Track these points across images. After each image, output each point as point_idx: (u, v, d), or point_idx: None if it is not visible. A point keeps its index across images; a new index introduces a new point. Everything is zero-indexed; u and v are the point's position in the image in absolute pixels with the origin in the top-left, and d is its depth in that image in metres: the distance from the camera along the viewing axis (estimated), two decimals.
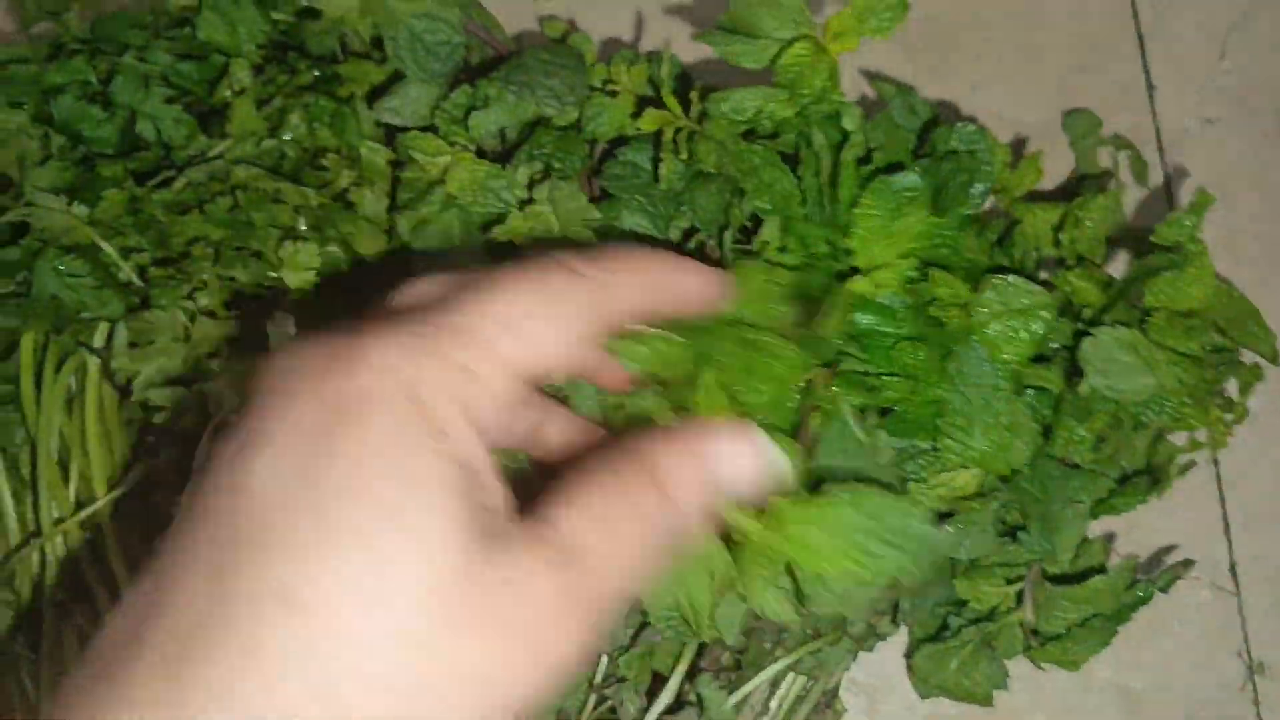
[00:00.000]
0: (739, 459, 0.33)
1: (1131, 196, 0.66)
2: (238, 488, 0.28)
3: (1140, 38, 0.68)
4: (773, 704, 0.53)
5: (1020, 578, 0.54)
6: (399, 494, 0.27)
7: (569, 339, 0.32)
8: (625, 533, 0.29)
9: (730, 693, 0.53)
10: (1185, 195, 0.66)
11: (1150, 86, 0.68)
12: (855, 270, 0.48)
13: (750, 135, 0.51)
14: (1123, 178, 0.64)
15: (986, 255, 0.52)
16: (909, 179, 0.48)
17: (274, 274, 0.55)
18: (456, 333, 0.30)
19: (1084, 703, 0.60)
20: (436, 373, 0.29)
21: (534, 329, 0.31)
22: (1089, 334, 0.50)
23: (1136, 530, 0.60)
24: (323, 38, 0.59)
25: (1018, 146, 0.67)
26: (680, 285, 0.37)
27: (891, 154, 0.51)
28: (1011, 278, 0.49)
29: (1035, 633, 0.55)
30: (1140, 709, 0.59)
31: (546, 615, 0.27)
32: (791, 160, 0.51)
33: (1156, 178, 0.66)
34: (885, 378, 0.47)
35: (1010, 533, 0.53)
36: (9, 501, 0.56)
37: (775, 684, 0.54)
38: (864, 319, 0.48)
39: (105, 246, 0.53)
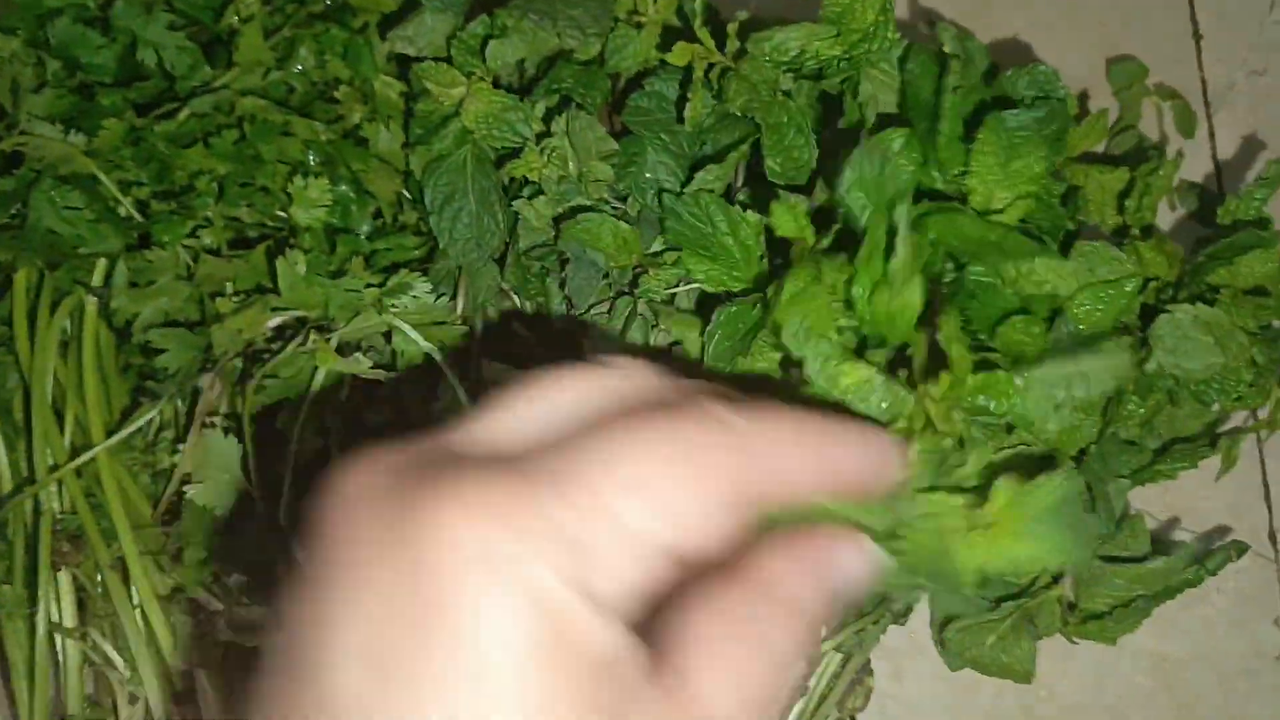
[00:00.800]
0: (854, 566, 0.30)
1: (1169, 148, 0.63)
2: (313, 681, 0.23)
3: None
4: (810, 683, 0.51)
5: None
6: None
7: (711, 510, 0.25)
8: (756, 672, 0.26)
9: None
10: (1227, 148, 0.64)
11: (1197, 36, 0.65)
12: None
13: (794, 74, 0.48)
14: (1165, 130, 0.61)
15: (1064, 218, 0.49)
16: (1023, 118, 0.44)
17: (281, 211, 0.52)
18: (570, 495, 0.23)
19: (1116, 668, 0.58)
20: (545, 552, 0.22)
21: (669, 495, 0.24)
22: (1164, 310, 0.47)
23: (1173, 494, 0.58)
24: None
25: None
26: (846, 458, 0.30)
27: (967, 96, 0.48)
28: (1099, 245, 0.46)
29: (1072, 607, 0.53)
30: (1175, 676, 0.57)
31: None
32: (835, 102, 0.48)
33: (1201, 130, 0.63)
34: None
35: None
36: (2, 450, 0.54)
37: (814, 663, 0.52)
38: (980, 271, 0.44)
39: (104, 179, 0.50)
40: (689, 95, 0.49)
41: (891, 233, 0.38)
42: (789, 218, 0.44)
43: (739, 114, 0.49)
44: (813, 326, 0.38)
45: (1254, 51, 0.65)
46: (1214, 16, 0.65)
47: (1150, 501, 0.58)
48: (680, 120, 0.50)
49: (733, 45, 0.48)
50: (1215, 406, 0.50)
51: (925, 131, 0.47)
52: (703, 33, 0.48)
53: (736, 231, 0.47)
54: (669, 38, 0.51)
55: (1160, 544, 0.57)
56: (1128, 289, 0.45)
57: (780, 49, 0.47)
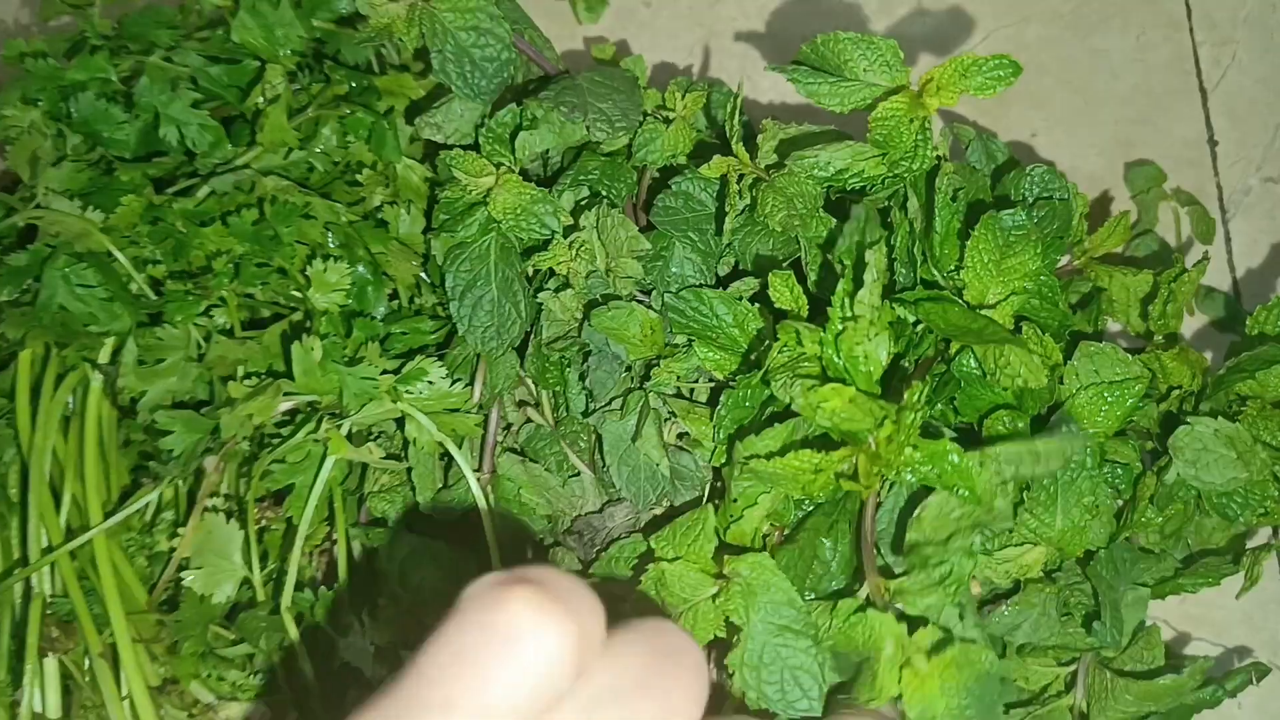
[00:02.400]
0: None
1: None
2: None
3: (1203, 91, 0.66)
4: None
5: (1073, 660, 0.51)
6: None
7: None
8: None
9: None
10: (1243, 253, 0.64)
11: (1213, 142, 0.65)
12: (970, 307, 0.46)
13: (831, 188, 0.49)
14: (1182, 232, 0.61)
15: (1069, 315, 0.49)
16: (1018, 218, 0.45)
17: (297, 293, 0.52)
18: None
19: None
20: None
21: None
22: (1182, 422, 0.47)
23: (1190, 602, 0.57)
24: (359, 48, 0.56)
25: None
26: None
27: (971, 196, 0.48)
28: (1106, 347, 0.46)
29: (1085, 717, 0.51)
30: None
31: None
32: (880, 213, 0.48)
33: (1217, 234, 0.64)
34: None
35: (1070, 615, 0.50)
36: None
37: None
38: (968, 362, 0.45)
39: (119, 256, 0.50)
40: (726, 208, 0.49)
41: (859, 278, 0.43)
42: (785, 289, 0.48)
43: (777, 229, 0.49)
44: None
45: (1269, 158, 0.65)
46: (1229, 122, 0.66)
47: (1168, 608, 0.57)
48: (719, 230, 0.50)
49: (765, 155, 0.48)
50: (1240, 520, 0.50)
51: (924, 229, 0.47)
52: (739, 149, 0.48)
53: (741, 322, 0.48)
54: (705, 147, 0.51)
55: (1176, 656, 0.56)
56: (1134, 392, 0.45)
57: (821, 165, 0.47)
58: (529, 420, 0.53)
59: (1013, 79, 0.44)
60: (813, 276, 0.47)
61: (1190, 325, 0.61)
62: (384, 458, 0.50)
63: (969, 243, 0.45)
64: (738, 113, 0.49)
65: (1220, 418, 0.47)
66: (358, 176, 0.53)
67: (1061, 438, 0.45)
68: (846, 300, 0.45)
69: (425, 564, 0.49)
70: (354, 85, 0.55)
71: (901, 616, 0.43)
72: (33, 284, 0.49)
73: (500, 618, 0.28)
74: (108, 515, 0.51)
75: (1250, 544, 0.53)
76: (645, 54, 0.60)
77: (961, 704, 0.41)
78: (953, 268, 0.48)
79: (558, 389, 0.52)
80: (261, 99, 0.52)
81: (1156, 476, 0.48)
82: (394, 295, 0.54)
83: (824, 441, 0.46)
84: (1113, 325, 0.56)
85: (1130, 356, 0.47)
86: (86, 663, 0.51)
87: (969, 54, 0.45)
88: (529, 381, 0.52)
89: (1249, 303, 0.63)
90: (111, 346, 0.51)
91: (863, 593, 0.45)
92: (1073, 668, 0.51)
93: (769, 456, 0.45)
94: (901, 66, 0.46)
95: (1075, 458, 0.46)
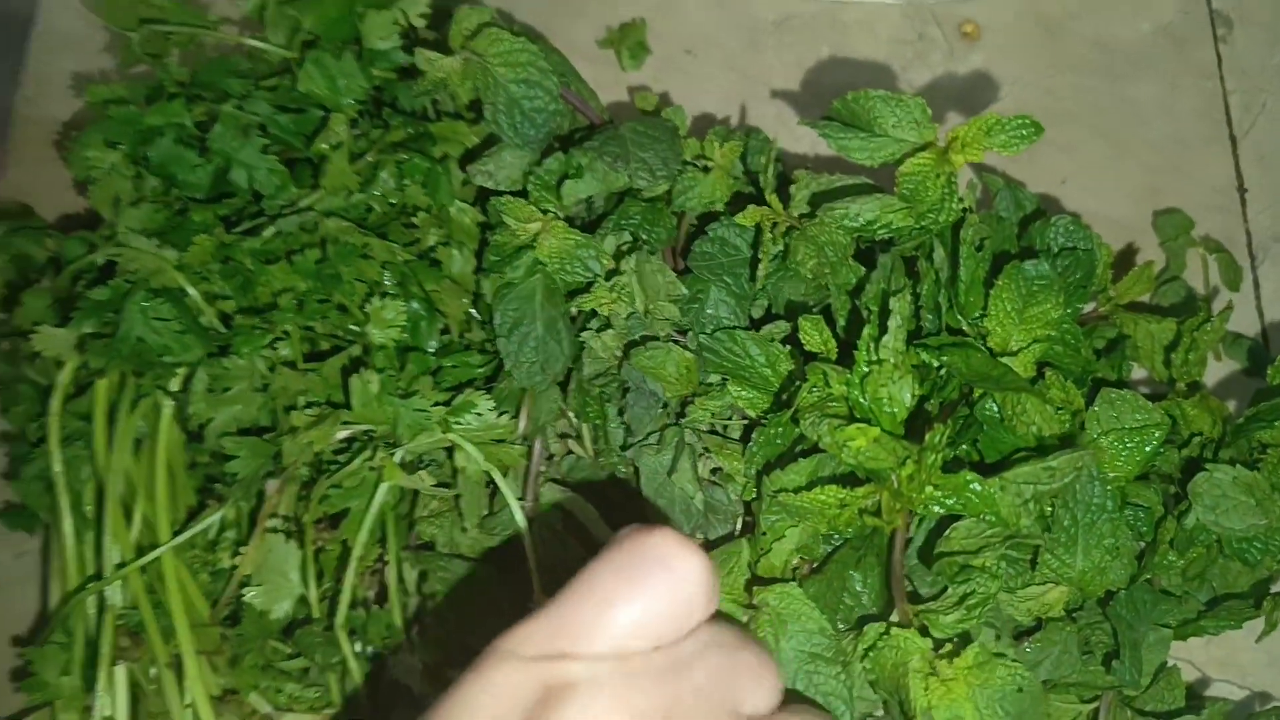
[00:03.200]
0: None
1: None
2: None
3: (1233, 139, 0.68)
4: None
5: (1096, 698, 0.52)
6: None
7: None
8: None
9: None
10: (1272, 300, 0.65)
11: (1242, 190, 0.67)
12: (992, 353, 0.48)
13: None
14: (1211, 279, 0.63)
15: (1093, 362, 0.51)
16: (1041, 268, 0.47)
17: (355, 327, 0.55)
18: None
19: None
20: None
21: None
22: (1203, 468, 0.48)
23: (1214, 645, 0.58)
24: (416, 97, 0.59)
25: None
26: None
27: (997, 245, 0.50)
28: (1126, 393, 0.48)
29: None
30: None
31: None
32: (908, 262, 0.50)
33: (1245, 281, 0.65)
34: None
35: (1091, 653, 0.51)
36: (71, 542, 0.56)
37: None
38: (990, 407, 0.47)
39: (191, 291, 0.53)
40: (760, 255, 0.52)
41: (884, 324, 0.46)
42: (814, 333, 0.50)
43: (808, 276, 0.51)
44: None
45: None
46: (1259, 170, 0.67)
47: (1192, 650, 0.58)
48: (753, 278, 0.53)
49: (798, 205, 0.50)
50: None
51: (950, 278, 0.49)
52: (773, 199, 0.50)
53: (773, 362, 0.50)
54: (741, 198, 0.54)
55: (1199, 697, 0.57)
56: (1154, 438, 0.47)
57: (851, 217, 0.49)
58: (570, 452, 0.55)
59: (1035, 138, 0.47)
60: (841, 321, 0.50)
61: (1220, 370, 0.62)
62: (434, 485, 0.52)
63: (993, 291, 0.47)
64: (772, 164, 0.51)
65: (1239, 465, 0.48)
66: (413, 219, 0.56)
67: (1072, 452, 0.47)
68: (872, 344, 0.47)
69: (471, 587, 0.51)
70: (410, 132, 0.58)
71: (927, 637, 0.45)
72: (112, 316, 0.53)
73: (653, 543, 0.35)
74: (176, 533, 0.54)
75: (1276, 588, 0.54)
76: (685, 100, 0.63)
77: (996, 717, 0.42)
78: (977, 315, 0.50)
79: (598, 422, 0.54)
80: (325, 145, 0.56)
81: (1176, 521, 0.49)
82: (445, 330, 0.57)
83: (850, 479, 0.48)
84: (1139, 371, 0.57)
85: (1150, 404, 0.48)
86: (152, 672, 0.54)
87: (993, 114, 0.47)
88: (570, 415, 0.55)
89: (1277, 349, 0.64)
90: (183, 376, 0.54)
91: (891, 618, 0.47)
92: (1095, 705, 0.53)
93: (796, 491, 0.47)
94: (929, 124, 0.49)
95: (1094, 479, 0.48)
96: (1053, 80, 0.69)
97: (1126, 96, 0.68)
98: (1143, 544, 0.50)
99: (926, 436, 0.45)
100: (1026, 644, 0.49)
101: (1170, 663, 0.53)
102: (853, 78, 0.69)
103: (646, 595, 0.34)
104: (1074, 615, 0.50)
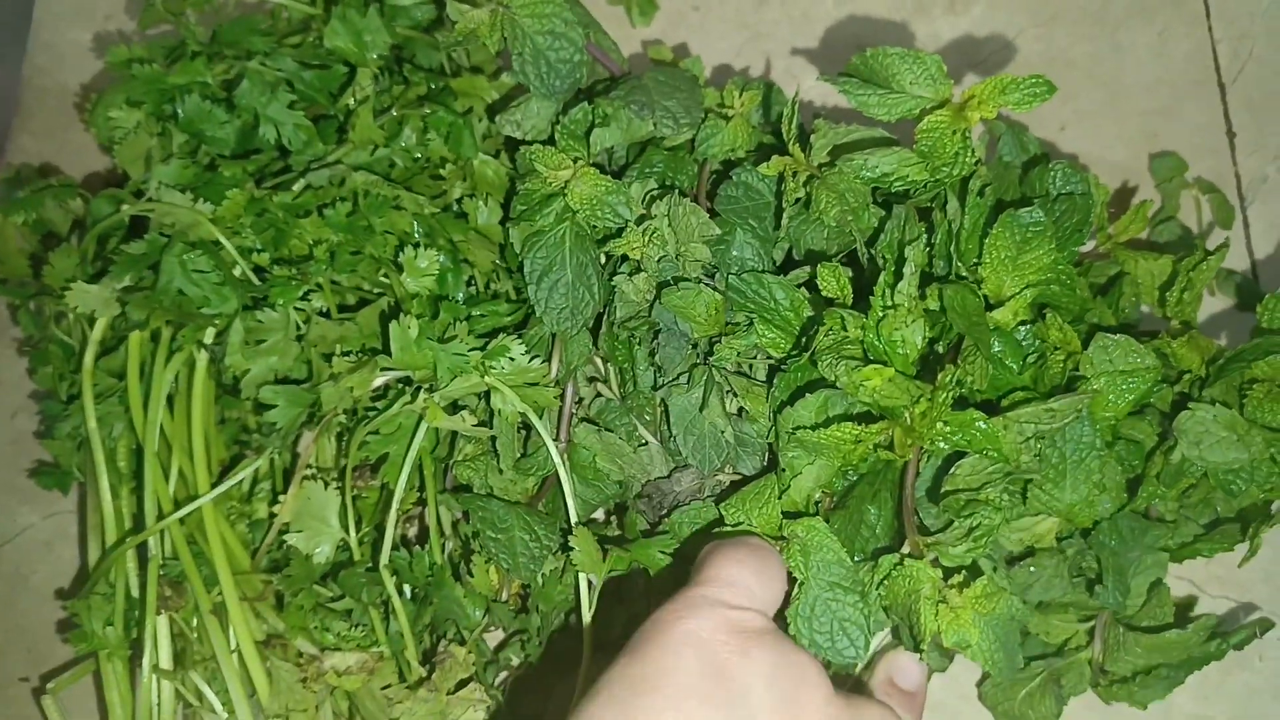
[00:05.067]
0: (914, 669, 0.53)
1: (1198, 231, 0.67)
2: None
3: (1221, 84, 0.70)
4: None
5: (1093, 616, 0.55)
6: None
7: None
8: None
9: None
10: (1261, 238, 0.68)
11: (1231, 133, 0.69)
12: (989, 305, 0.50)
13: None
14: (1203, 219, 0.65)
15: (1090, 301, 0.53)
16: (1034, 214, 0.49)
17: (384, 278, 0.56)
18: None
19: None
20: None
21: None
22: (1186, 406, 0.51)
23: (1214, 563, 0.61)
24: (433, 53, 0.60)
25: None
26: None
27: (1000, 191, 0.52)
28: (1120, 338, 0.50)
29: (1104, 670, 0.56)
30: None
31: None
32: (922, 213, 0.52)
33: (1235, 221, 0.67)
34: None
35: (1083, 576, 0.54)
36: (108, 497, 0.56)
37: None
38: (995, 346, 0.49)
39: (226, 244, 0.54)
40: (783, 204, 0.53)
41: (899, 271, 0.50)
42: (832, 280, 0.52)
43: (832, 224, 0.53)
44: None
45: None
46: (1247, 114, 0.69)
47: (1194, 570, 0.61)
48: (778, 225, 0.55)
49: (819, 156, 0.52)
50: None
51: (960, 229, 0.51)
52: (795, 150, 0.52)
53: (796, 306, 0.52)
54: (764, 148, 0.55)
55: (1194, 613, 0.60)
56: (1146, 379, 0.50)
57: (869, 168, 0.51)
58: (598, 395, 0.57)
59: (1047, 96, 0.49)
60: (865, 265, 0.51)
61: (1213, 305, 0.65)
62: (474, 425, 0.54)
63: (988, 239, 0.49)
64: (795, 116, 0.53)
65: (1219, 404, 0.51)
66: (440, 171, 0.57)
67: (1072, 396, 0.49)
68: (887, 290, 0.49)
69: (511, 523, 0.53)
70: (431, 87, 0.59)
71: (937, 566, 0.48)
72: (147, 273, 0.54)
73: (748, 541, 0.49)
74: (212, 485, 0.55)
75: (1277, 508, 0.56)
76: (701, 54, 0.64)
77: (991, 644, 0.47)
78: (974, 262, 0.52)
79: (625, 365, 0.56)
80: (352, 100, 0.56)
81: (1164, 456, 0.52)
82: (471, 281, 0.58)
83: (864, 417, 0.50)
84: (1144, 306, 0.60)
85: (1143, 346, 0.51)
86: (194, 621, 0.55)
87: (1007, 74, 0.49)
88: (597, 359, 0.56)
89: (1266, 284, 0.67)
90: (217, 328, 0.55)
91: (904, 550, 0.49)
92: (1092, 624, 0.55)
93: (813, 428, 0.50)
94: (945, 80, 0.51)
95: (1084, 419, 0.50)
96: (1052, 30, 0.71)
97: (1121, 44, 0.71)
98: (1138, 475, 0.52)
99: (939, 376, 0.47)
100: (1016, 567, 0.51)
101: (1165, 582, 0.56)
102: (857, 31, 0.71)
103: (762, 567, 0.48)
104: (1065, 544, 0.52)
